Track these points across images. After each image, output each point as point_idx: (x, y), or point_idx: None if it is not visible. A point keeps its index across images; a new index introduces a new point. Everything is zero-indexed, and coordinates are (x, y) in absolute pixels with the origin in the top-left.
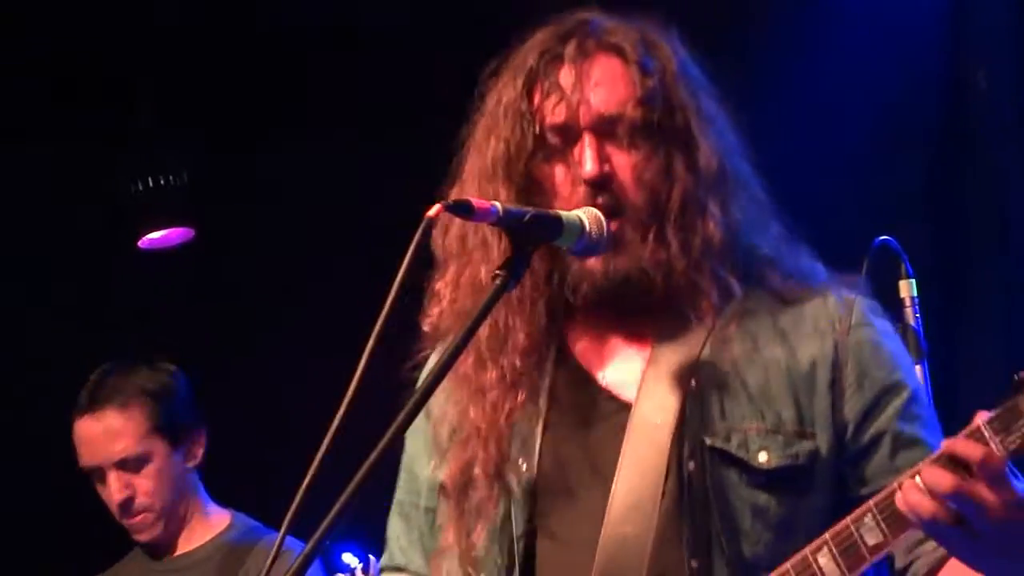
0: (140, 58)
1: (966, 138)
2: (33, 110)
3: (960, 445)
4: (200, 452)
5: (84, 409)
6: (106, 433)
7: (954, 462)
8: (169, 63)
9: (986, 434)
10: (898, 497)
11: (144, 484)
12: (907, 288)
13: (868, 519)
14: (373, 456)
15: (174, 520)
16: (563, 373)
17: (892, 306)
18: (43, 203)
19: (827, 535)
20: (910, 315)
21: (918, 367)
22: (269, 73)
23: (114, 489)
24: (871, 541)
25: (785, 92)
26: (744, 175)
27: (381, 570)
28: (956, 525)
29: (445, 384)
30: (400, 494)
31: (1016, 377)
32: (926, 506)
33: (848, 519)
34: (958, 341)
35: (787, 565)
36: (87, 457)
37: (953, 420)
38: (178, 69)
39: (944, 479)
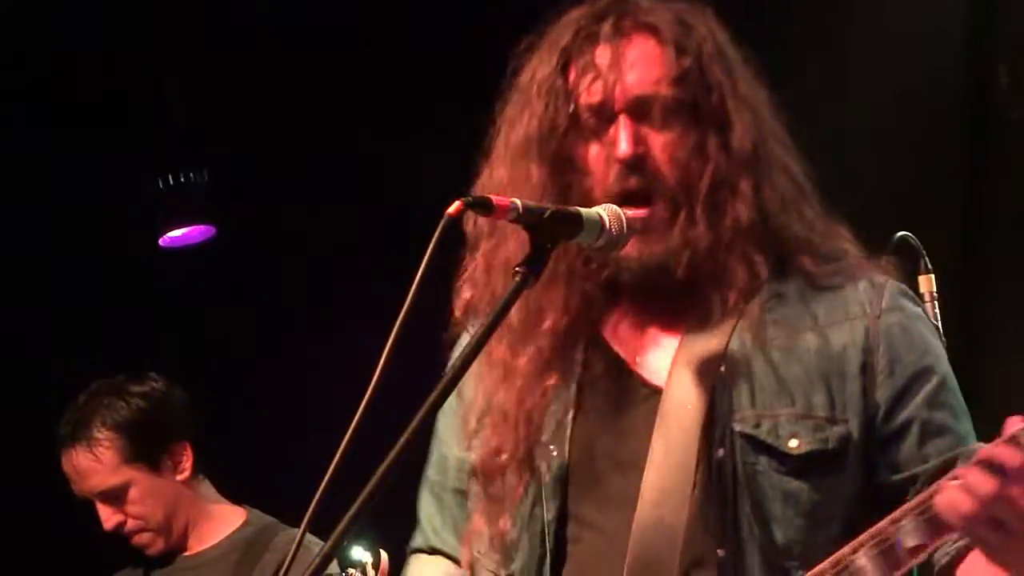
0: (165, 56)
1: (988, 134)
2: (55, 107)
3: (999, 451)
4: (188, 464)
5: (61, 445)
6: (78, 472)
7: (992, 466)
8: (193, 62)
9: (1022, 441)
10: (938, 499)
11: (132, 509)
12: (927, 283)
13: (907, 522)
14: (393, 453)
15: (174, 531)
16: (596, 357)
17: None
18: (65, 200)
19: (865, 536)
20: (930, 311)
21: None
22: (292, 71)
23: (104, 518)
24: (910, 543)
25: (807, 89)
26: (781, 157)
27: (415, 550)
28: (994, 528)
29: (474, 368)
30: (431, 472)
31: None
32: (967, 508)
33: (887, 520)
34: (978, 336)
35: (824, 564)
36: (74, 489)
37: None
38: (201, 68)
39: (986, 483)
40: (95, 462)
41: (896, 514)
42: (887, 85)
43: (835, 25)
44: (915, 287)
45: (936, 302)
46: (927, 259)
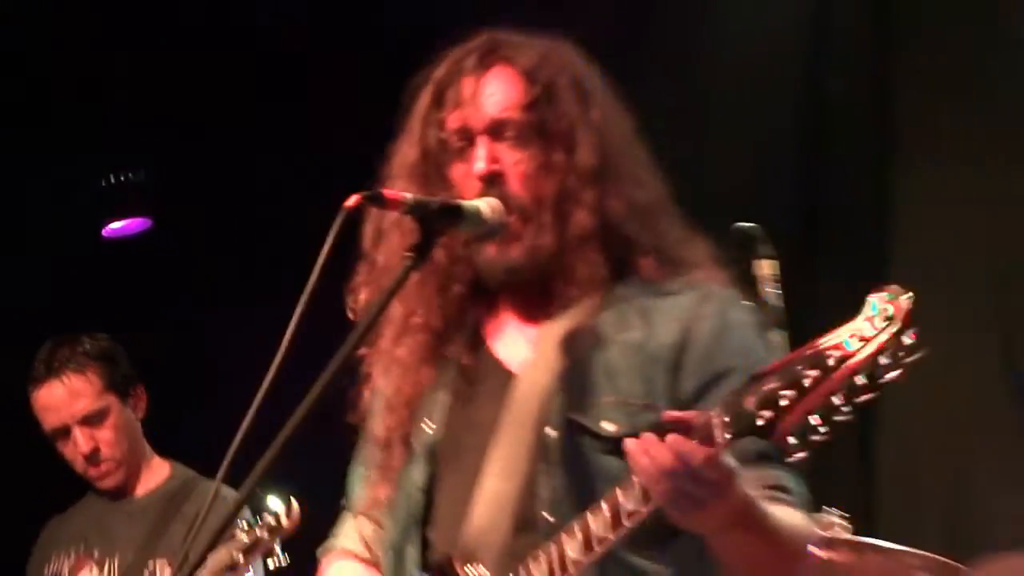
0: (107, 62)
1: (823, 136)
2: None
3: (684, 445)
4: (143, 405)
5: (44, 377)
6: (69, 394)
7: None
8: (134, 68)
9: (712, 421)
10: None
11: (105, 435)
12: (765, 268)
13: (630, 487)
14: (298, 414)
15: (132, 466)
16: (473, 348)
17: (751, 283)
18: (17, 198)
19: (602, 500)
20: (766, 291)
21: (778, 335)
22: (224, 76)
23: (81, 443)
24: (629, 508)
25: (662, 96)
26: (633, 172)
27: (343, 509)
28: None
29: (377, 357)
30: (360, 445)
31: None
32: (651, 475)
33: (619, 487)
34: (815, 316)
35: (573, 525)
36: (53, 419)
37: None
38: (141, 74)
39: (664, 457)
40: (86, 384)
41: (625, 483)
42: (733, 90)
43: (688, 37)
44: (752, 272)
45: (777, 284)
46: (765, 246)
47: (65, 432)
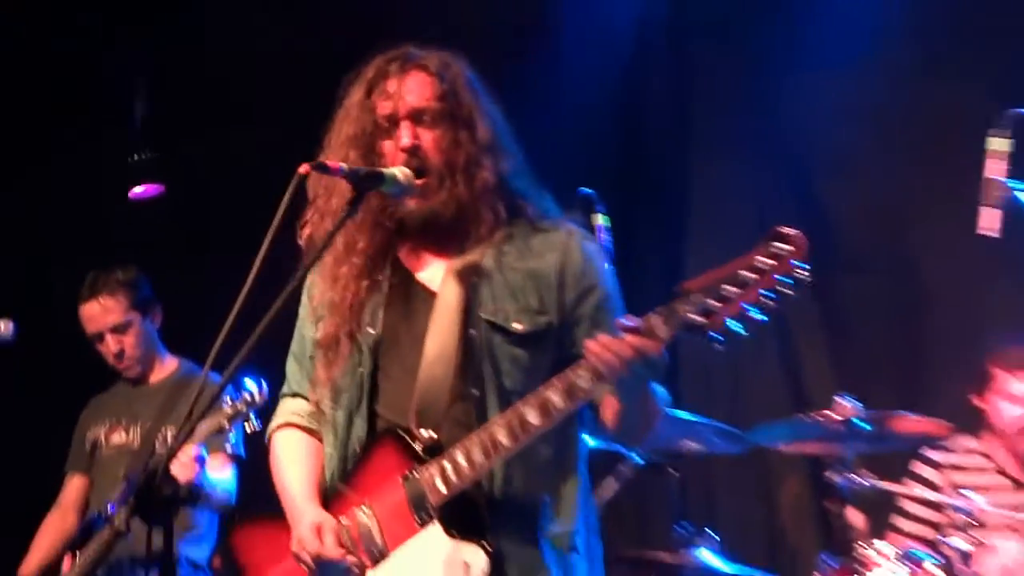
0: (132, 72)
1: (645, 125)
2: (57, 107)
3: (639, 342)
4: (159, 318)
5: (86, 297)
6: (104, 310)
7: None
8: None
9: (654, 323)
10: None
11: (129, 340)
12: (600, 221)
13: (581, 371)
14: (265, 321)
15: (147, 363)
16: (397, 273)
17: (592, 232)
18: (67, 172)
19: (555, 380)
20: (602, 238)
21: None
22: (216, 83)
23: (111, 345)
24: (584, 385)
25: (525, 97)
26: (510, 146)
27: (282, 395)
28: (631, 377)
29: (319, 277)
30: (294, 346)
31: (677, 289)
32: (615, 364)
33: (569, 370)
34: (634, 260)
35: (530, 399)
36: (91, 327)
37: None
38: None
39: (626, 350)
40: (116, 303)
41: (574, 366)
42: (581, 91)
43: (544, 55)
44: (591, 224)
45: (609, 234)
46: (601, 205)
47: (100, 337)
